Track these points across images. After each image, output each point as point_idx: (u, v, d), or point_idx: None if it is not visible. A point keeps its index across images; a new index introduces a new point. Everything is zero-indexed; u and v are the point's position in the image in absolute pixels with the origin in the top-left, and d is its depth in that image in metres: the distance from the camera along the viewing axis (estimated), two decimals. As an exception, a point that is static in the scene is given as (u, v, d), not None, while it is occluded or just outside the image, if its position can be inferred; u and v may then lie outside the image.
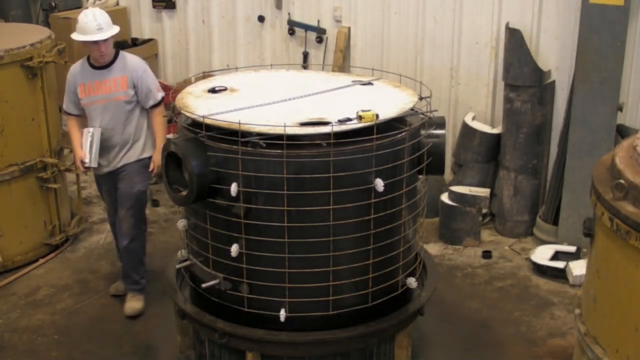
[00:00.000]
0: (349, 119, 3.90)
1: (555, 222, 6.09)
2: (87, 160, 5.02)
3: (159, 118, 5.12)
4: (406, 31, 6.69)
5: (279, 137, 3.75)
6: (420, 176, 4.28)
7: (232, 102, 4.25)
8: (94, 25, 4.88)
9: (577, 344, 3.61)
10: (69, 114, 5.21)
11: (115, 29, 5.01)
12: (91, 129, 5.04)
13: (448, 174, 6.60)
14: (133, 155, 5.14)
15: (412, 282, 4.25)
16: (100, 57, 4.99)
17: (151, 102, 5.10)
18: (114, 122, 5.06)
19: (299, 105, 4.25)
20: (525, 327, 5.12)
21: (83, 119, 5.19)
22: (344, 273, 3.98)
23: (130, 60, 5.12)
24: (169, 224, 6.53)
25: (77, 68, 5.14)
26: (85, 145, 5.03)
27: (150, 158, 5.17)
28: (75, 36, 4.98)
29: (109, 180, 5.25)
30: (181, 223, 4.35)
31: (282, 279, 3.94)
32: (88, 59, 5.11)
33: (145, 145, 5.17)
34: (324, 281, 3.95)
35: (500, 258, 6.02)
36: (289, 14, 7.31)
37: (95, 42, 4.90)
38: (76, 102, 5.13)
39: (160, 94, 5.14)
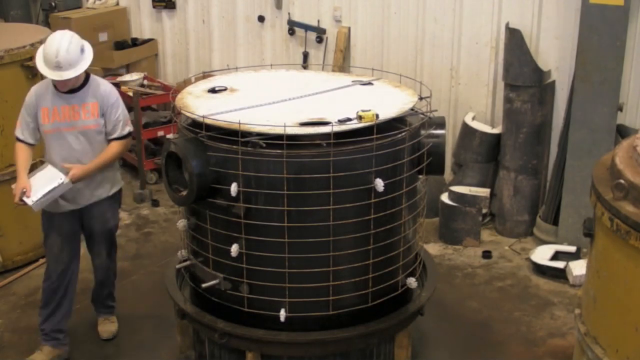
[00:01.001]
0: (349, 119, 3.90)
1: (555, 222, 6.08)
2: (30, 200, 4.35)
3: (116, 147, 4.56)
4: (406, 31, 6.69)
5: (279, 137, 3.75)
6: (420, 176, 4.28)
7: (232, 102, 4.25)
8: (53, 61, 4.25)
9: (577, 344, 3.62)
10: (21, 141, 4.53)
11: (81, 68, 4.32)
12: (63, 178, 4.39)
13: (448, 174, 6.59)
14: (104, 192, 4.64)
15: (412, 282, 4.25)
16: (62, 88, 4.42)
17: (115, 135, 4.56)
18: (80, 153, 4.49)
19: (299, 105, 4.25)
20: (525, 327, 5.12)
21: (35, 148, 4.61)
22: (344, 273, 3.98)
23: (103, 86, 4.57)
24: (169, 224, 6.54)
25: (41, 89, 4.52)
26: (42, 186, 4.38)
27: (120, 192, 4.79)
28: (38, 60, 4.36)
29: (67, 219, 4.62)
30: (181, 223, 4.35)
31: (282, 279, 3.94)
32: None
33: (115, 178, 4.72)
34: (324, 281, 3.95)
35: (500, 258, 6.02)
36: (289, 14, 7.31)
37: None
38: (34, 129, 4.52)
39: (127, 129, 4.61)
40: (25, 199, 4.37)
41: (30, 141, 4.56)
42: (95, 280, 4.97)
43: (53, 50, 4.25)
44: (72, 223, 4.66)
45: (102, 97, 4.51)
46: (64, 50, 4.24)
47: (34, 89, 4.55)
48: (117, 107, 4.55)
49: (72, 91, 4.46)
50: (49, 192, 4.37)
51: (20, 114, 4.57)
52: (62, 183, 4.38)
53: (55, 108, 4.46)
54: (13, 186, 4.47)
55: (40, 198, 4.36)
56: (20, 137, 4.56)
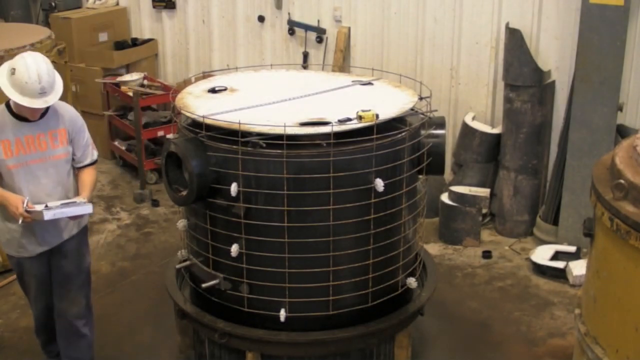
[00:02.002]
0: (349, 119, 3.90)
1: (555, 222, 6.08)
2: (40, 206, 3.81)
3: (93, 174, 4.19)
4: (406, 31, 6.69)
5: (279, 137, 3.75)
6: (420, 176, 4.28)
7: (232, 102, 4.25)
8: (36, 87, 3.76)
9: (577, 344, 3.62)
10: None
11: (60, 89, 3.90)
12: (81, 199, 3.96)
13: (448, 174, 6.59)
14: (75, 225, 4.19)
15: (412, 282, 4.25)
16: (34, 116, 3.93)
17: (88, 161, 4.15)
18: (49, 188, 4.01)
19: (299, 105, 4.25)
20: (525, 327, 5.12)
21: None
22: (344, 273, 3.98)
23: (67, 109, 4.11)
24: (169, 224, 6.53)
25: None
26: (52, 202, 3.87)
27: (87, 225, 4.35)
28: (9, 92, 3.78)
29: (37, 263, 4.18)
30: (181, 223, 4.36)
31: (282, 279, 3.94)
32: (8, 106, 3.95)
33: None
34: (324, 281, 3.95)
35: (500, 258, 6.02)
36: (289, 14, 7.30)
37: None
38: None
39: (96, 153, 4.23)
40: (35, 208, 3.82)
41: None
42: (74, 344, 4.37)
43: (34, 76, 3.75)
44: (44, 266, 4.22)
45: (69, 122, 4.06)
46: (45, 73, 3.79)
47: None
48: (84, 130, 4.14)
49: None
50: (67, 204, 3.88)
51: None
52: (83, 202, 3.91)
53: (17, 140, 3.91)
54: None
55: (58, 207, 3.83)
56: None
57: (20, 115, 3.93)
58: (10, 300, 5.48)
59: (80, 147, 4.13)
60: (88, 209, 3.93)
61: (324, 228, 3.86)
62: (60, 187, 4.06)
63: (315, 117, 3.99)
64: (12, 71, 3.79)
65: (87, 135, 4.18)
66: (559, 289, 5.56)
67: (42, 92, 3.79)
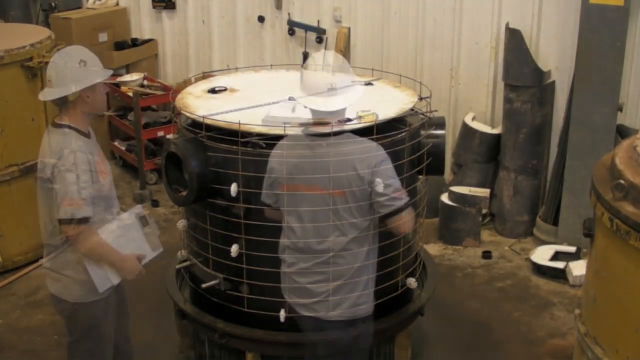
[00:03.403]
0: (349, 119, 3.90)
1: (555, 222, 6.08)
2: (154, 253, 3.83)
3: None
4: (406, 31, 6.69)
5: (279, 137, 3.75)
6: (420, 176, 4.28)
7: (232, 102, 4.25)
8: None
9: (577, 344, 3.62)
10: (87, 221, 3.55)
11: None
12: (135, 210, 3.84)
13: (448, 174, 6.59)
14: None
15: (412, 282, 4.24)
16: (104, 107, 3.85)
17: None
18: (114, 201, 3.86)
19: (299, 105, 4.23)
20: (525, 327, 5.12)
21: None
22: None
23: None
24: (169, 224, 6.52)
25: (78, 142, 3.56)
26: (138, 234, 3.79)
27: None
28: (98, 77, 3.63)
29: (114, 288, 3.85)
30: (181, 223, 4.36)
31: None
32: (71, 127, 3.61)
33: None
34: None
35: (500, 258, 6.02)
36: (289, 14, 7.30)
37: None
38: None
39: None
40: (145, 255, 3.78)
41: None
42: None
43: (91, 55, 3.67)
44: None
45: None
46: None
47: (77, 147, 3.52)
48: None
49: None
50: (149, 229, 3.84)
51: (82, 187, 3.50)
52: (142, 211, 3.85)
53: (98, 156, 3.68)
54: (112, 280, 3.71)
55: (152, 232, 3.84)
56: (89, 214, 3.54)
57: (83, 129, 3.65)
58: (10, 300, 5.48)
59: None
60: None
61: (324, 228, 3.85)
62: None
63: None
64: (83, 63, 3.58)
65: None
66: (559, 289, 5.56)
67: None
